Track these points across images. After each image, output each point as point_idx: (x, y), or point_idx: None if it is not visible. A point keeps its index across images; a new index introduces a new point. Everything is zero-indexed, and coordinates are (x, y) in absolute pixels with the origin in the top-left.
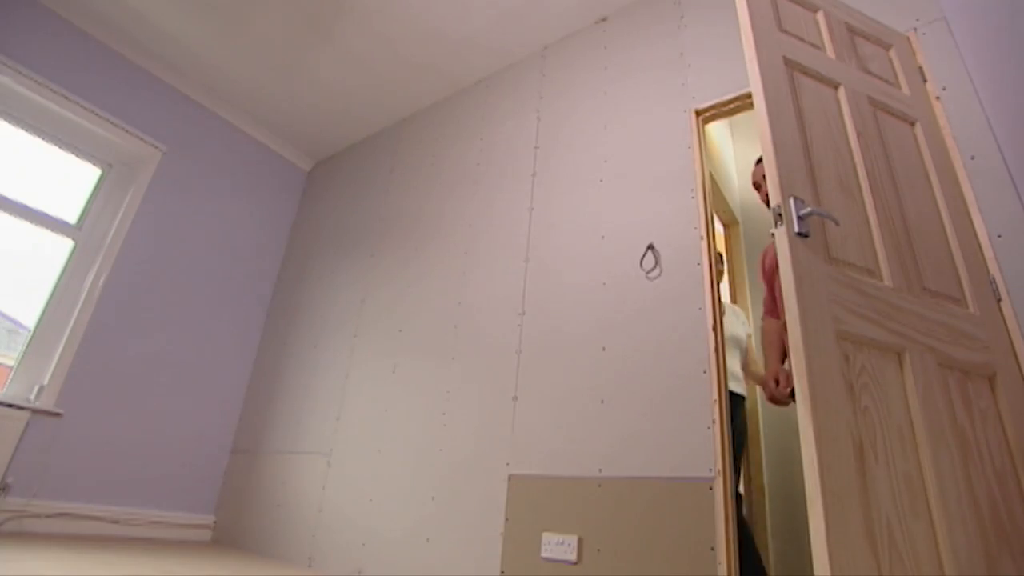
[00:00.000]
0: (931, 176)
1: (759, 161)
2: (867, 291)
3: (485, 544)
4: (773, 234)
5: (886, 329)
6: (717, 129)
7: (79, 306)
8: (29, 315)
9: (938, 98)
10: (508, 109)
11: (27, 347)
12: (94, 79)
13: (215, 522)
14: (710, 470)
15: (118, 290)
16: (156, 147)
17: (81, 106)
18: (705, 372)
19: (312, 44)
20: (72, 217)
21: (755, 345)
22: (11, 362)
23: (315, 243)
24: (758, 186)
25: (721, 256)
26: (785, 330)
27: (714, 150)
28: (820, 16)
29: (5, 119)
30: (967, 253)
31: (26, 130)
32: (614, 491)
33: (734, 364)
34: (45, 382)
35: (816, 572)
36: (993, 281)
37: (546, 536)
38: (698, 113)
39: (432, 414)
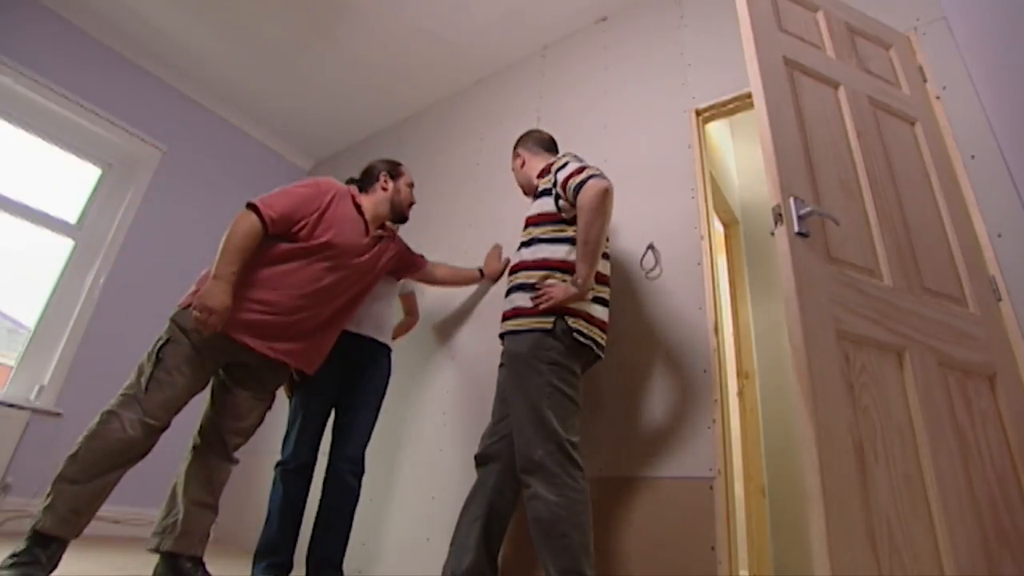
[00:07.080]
0: (931, 176)
1: None
2: (867, 291)
3: None
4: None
5: (886, 329)
6: (717, 129)
7: (79, 306)
8: (29, 315)
9: (938, 98)
10: (508, 109)
11: (27, 347)
12: (94, 79)
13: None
14: (710, 470)
15: (118, 290)
16: (156, 147)
17: (81, 106)
18: (705, 372)
19: (312, 44)
20: (72, 217)
21: None
22: (11, 362)
23: None
24: None
25: None
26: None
27: (714, 150)
28: (820, 15)
29: (5, 119)
30: (967, 253)
31: (26, 130)
32: (614, 491)
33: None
34: (45, 382)
35: (816, 572)
36: (993, 281)
37: None
38: (698, 113)
39: (432, 414)
